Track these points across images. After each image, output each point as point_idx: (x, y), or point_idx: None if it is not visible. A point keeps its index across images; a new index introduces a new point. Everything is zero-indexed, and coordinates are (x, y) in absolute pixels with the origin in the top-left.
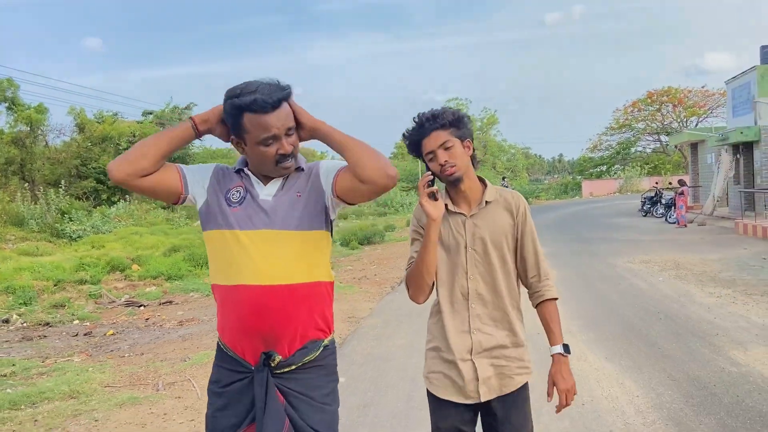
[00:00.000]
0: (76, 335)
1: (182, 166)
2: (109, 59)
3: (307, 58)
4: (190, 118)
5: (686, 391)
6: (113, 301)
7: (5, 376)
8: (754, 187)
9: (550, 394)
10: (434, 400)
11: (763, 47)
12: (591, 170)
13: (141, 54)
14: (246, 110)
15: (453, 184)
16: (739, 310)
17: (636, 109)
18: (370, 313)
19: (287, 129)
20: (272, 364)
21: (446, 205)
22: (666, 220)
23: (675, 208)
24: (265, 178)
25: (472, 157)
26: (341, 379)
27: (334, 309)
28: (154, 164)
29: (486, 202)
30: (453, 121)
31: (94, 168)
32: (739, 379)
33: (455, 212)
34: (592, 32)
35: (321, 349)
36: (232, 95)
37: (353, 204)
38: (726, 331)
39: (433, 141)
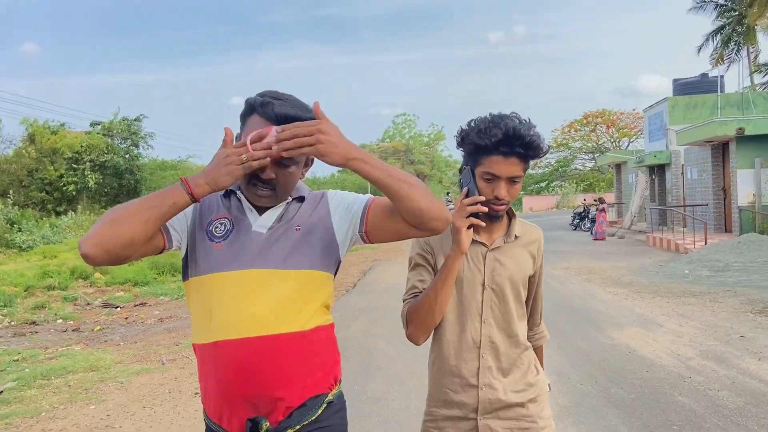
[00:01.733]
0: (65, 331)
1: None
2: (46, 65)
3: (254, 68)
4: (182, 179)
5: (571, 356)
6: (89, 303)
7: (17, 360)
8: (666, 204)
9: None
10: None
11: (675, 80)
12: (532, 186)
13: (81, 61)
14: (256, 110)
15: (490, 219)
16: (628, 304)
17: (572, 130)
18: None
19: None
20: None
21: None
22: (591, 233)
23: (596, 222)
24: (261, 207)
25: None
26: None
27: None
28: (142, 245)
29: (515, 236)
30: (535, 156)
31: (40, 178)
32: (610, 348)
33: (476, 241)
34: (533, 52)
35: (324, 406)
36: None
37: (374, 243)
38: (612, 318)
39: (507, 168)
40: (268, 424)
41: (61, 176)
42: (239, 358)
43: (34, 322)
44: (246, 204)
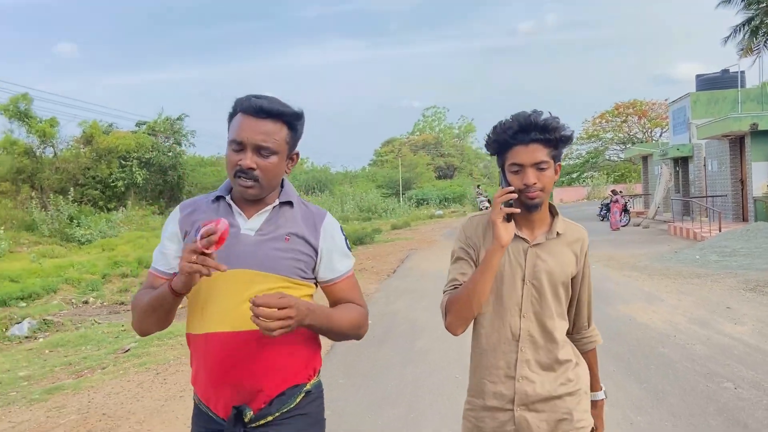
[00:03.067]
0: (183, 307)
1: (156, 261)
2: (83, 65)
3: (284, 64)
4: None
5: None
6: None
7: (124, 330)
8: (689, 195)
9: None
10: None
11: (697, 76)
12: (562, 178)
13: (118, 60)
14: (240, 110)
15: (528, 209)
16: (638, 284)
17: (603, 121)
18: (376, 291)
19: (258, 145)
20: (245, 420)
21: None
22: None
23: (611, 213)
24: (249, 209)
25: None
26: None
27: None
28: (168, 321)
29: (557, 233)
30: (560, 139)
31: (92, 177)
32: (614, 318)
33: (518, 236)
34: (565, 40)
35: (302, 395)
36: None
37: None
38: (621, 295)
39: (529, 155)
40: (251, 413)
41: (111, 174)
42: (226, 349)
43: (122, 303)
44: (235, 208)
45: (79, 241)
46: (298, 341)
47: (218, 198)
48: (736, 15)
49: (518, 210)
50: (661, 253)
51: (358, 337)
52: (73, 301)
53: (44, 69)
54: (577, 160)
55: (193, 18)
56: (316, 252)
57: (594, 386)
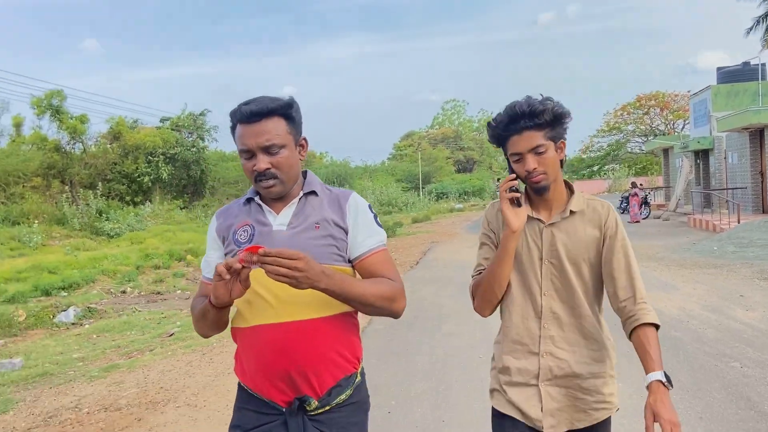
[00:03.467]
0: (188, 298)
1: (204, 270)
2: (106, 61)
3: (304, 58)
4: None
5: None
6: (197, 279)
7: (165, 317)
8: (710, 188)
9: (649, 429)
10: (497, 416)
11: (718, 68)
12: (583, 171)
13: (140, 56)
14: (236, 121)
15: (537, 192)
16: (656, 274)
17: (625, 113)
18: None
19: (264, 146)
20: (308, 409)
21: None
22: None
23: (630, 206)
24: (277, 206)
25: (561, 160)
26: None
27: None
28: (221, 327)
29: (571, 211)
30: (552, 120)
31: (119, 172)
32: None
33: (533, 218)
34: (586, 32)
35: (354, 385)
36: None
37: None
38: None
39: (524, 143)
40: (315, 402)
41: (137, 169)
42: (275, 340)
43: (159, 293)
44: (265, 207)
45: (108, 234)
46: (343, 330)
47: (248, 200)
48: (758, 7)
49: (519, 194)
50: (679, 245)
51: (393, 312)
52: (111, 290)
53: (68, 66)
54: (598, 153)
55: (212, 13)
56: (346, 232)
57: (649, 366)
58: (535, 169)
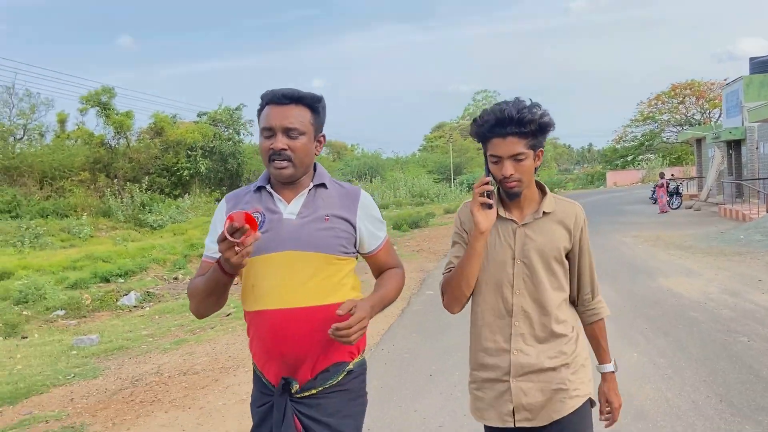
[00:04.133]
0: (236, 284)
1: (207, 249)
2: (141, 57)
3: (335, 51)
4: (217, 261)
5: (622, 294)
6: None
7: None
8: (742, 178)
9: (603, 412)
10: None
11: (751, 59)
12: (617, 161)
13: (174, 50)
14: (266, 102)
15: (508, 197)
16: (681, 262)
17: (659, 102)
18: (435, 267)
19: (287, 128)
20: (291, 390)
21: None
22: (669, 206)
23: (657, 196)
24: (287, 194)
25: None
26: None
27: (410, 267)
28: (220, 304)
29: (543, 212)
30: (536, 130)
31: (160, 166)
32: (654, 289)
33: (506, 218)
34: (619, 18)
35: (344, 373)
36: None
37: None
38: (663, 271)
39: (506, 147)
40: (297, 385)
41: (177, 162)
42: (277, 324)
43: None
44: (276, 195)
45: (151, 226)
46: (343, 319)
47: (259, 188)
48: None
49: (490, 201)
50: (707, 234)
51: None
52: (164, 277)
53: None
54: (632, 143)
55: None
56: (355, 229)
57: (601, 358)
58: (511, 175)
